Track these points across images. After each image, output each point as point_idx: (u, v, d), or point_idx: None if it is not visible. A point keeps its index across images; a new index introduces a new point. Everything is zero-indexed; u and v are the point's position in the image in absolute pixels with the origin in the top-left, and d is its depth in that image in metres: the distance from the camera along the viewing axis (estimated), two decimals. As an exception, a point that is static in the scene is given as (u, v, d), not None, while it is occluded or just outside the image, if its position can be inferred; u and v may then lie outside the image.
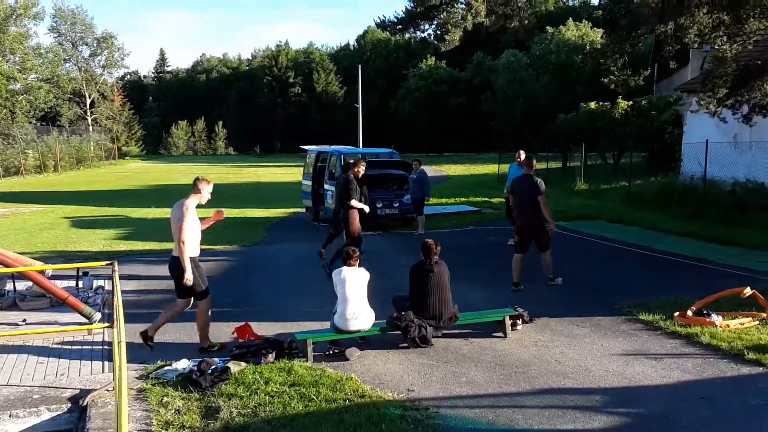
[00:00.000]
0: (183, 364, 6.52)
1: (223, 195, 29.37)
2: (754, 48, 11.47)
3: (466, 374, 6.29)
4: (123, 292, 9.48)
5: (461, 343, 7.28)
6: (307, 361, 6.71)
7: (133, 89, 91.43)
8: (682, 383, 5.92)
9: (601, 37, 32.38)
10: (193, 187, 7.22)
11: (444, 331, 7.45)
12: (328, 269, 10.60)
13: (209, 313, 7.36)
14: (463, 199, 23.61)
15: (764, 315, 7.60)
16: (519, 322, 7.74)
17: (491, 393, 5.83)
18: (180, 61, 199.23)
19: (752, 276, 9.95)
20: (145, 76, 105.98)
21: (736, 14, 10.29)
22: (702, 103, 11.94)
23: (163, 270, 12.41)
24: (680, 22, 10.21)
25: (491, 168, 35.97)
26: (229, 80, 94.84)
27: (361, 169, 11.37)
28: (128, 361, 6.64)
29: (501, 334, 7.47)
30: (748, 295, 7.76)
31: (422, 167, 16.41)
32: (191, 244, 7.01)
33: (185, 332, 8.07)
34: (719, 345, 6.76)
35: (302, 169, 21.69)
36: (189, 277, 6.97)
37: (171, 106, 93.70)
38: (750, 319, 7.52)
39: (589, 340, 7.24)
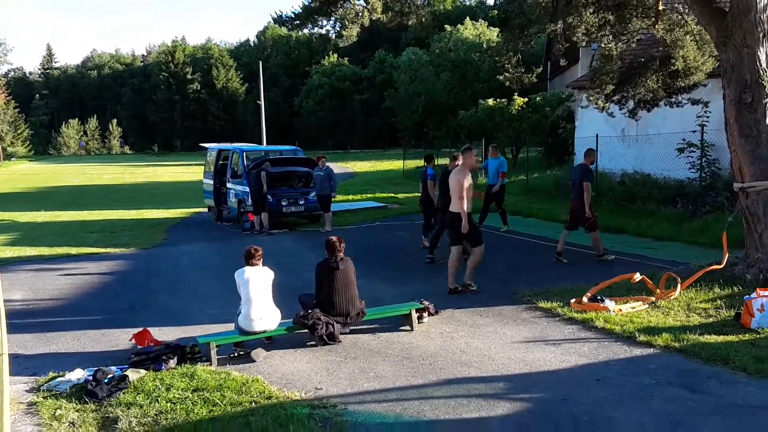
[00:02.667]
0: (77, 375, 6.18)
1: (117, 197, 28.26)
2: (637, 46, 12.12)
3: (374, 369, 6.30)
4: (9, 300, 8.93)
5: (369, 339, 7.29)
6: (210, 365, 6.51)
7: (18, 86, 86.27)
8: (579, 367, 6.17)
9: (497, 35, 33.39)
10: (462, 158, 9.29)
11: (352, 327, 7.44)
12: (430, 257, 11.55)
13: (481, 256, 9.10)
14: (369, 195, 23.73)
15: (653, 299, 8.06)
16: (425, 314, 7.83)
17: (399, 386, 5.86)
18: (69, 57, 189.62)
19: (641, 262, 10.53)
20: (30, 73, 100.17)
21: (621, 14, 10.83)
22: (591, 99, 12.47)
23: (54, 275, 11.79)
24: (569, 22, 10.62)
25: (396, 164, 36.32)
26: (122, 77, 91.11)
27: (459, 163, 10.87)
28: (17, 374, 6.28)
29: (408, 328, 7.54)
30: (637, 280, 8.23)
31: (328, 164, 16.34)
32: (468, 202, 8.82)
33: (79, 341, 7.67)
34: (613, 329, 7.09)
35: (203, 167, 21.13)
36: (466, 225, 8.70)
37: (60, 103, 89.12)
38: (640, 303, 7.94)
39: (492, 329, 7.43)
